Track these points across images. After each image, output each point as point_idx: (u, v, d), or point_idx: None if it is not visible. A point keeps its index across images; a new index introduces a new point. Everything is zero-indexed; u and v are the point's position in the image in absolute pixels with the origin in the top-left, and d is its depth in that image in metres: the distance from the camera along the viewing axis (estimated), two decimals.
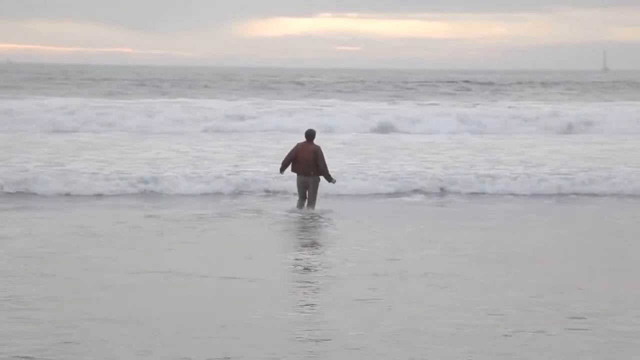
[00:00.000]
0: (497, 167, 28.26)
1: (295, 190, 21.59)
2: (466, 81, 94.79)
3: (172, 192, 24.80)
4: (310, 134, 21.06)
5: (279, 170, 21.51)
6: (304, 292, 12.97)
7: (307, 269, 14.98)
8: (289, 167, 21.20)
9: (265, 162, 28.19)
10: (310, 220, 20.13)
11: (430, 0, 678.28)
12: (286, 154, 21.40)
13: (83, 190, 24.39)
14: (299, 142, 21.22)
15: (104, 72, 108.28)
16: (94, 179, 25.00)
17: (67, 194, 24.12)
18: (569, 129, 42.05)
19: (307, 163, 20.68)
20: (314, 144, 20.93)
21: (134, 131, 38.28)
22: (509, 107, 48.64)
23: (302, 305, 12.16)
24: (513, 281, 13.64)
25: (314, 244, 17.52)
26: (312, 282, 13.83)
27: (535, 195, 25.46)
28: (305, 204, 20.91)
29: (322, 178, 21.07)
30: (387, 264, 15.27)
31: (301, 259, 15.83)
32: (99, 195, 24.01)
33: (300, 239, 18.42)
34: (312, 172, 20.69)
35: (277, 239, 18.60)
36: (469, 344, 10.06)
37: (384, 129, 41.15)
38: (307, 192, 20.86)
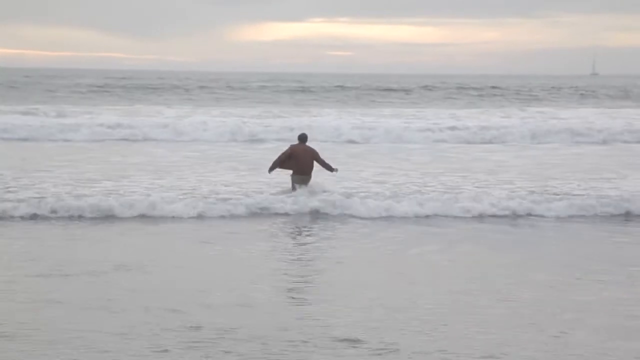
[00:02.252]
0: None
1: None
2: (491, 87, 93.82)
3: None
4: (304, 137, 22.44)
5: (268, 171, 22.33)
6: None
7: None
8: (275, 169, 22.34)
9: None
10: None
11: (422, 6, 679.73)
12: (280, 155, 22.30)
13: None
14: (292, 144, 22.42)
15: (147, 80, 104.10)
16: None
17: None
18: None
19: (307, 163, 21.96)
20: (308, 146, 22.22)
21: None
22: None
23: None
24: None
25: None
26: None
27: None
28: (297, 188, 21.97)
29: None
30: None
31: None
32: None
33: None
34: (309, 172, 22.04)
35: None
36: None
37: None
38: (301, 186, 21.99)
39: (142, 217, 19.78)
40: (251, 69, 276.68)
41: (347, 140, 38.60)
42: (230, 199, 21.44)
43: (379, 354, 9.83)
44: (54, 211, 19.65)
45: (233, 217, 20.33)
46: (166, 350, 9.87)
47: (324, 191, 22.03)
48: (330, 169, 22.32)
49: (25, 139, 37.54)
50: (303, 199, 21.29)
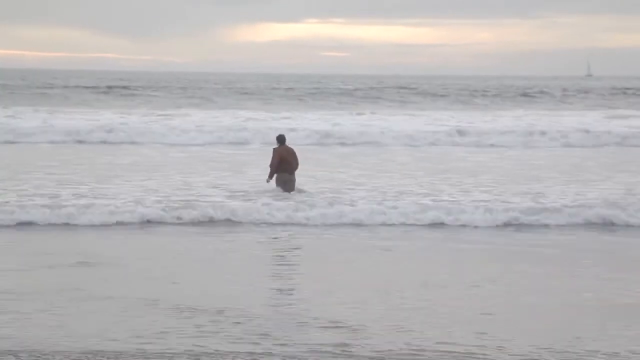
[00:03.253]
0: None
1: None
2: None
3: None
4: (283, 138, 23.02)
5: (267, 179, 22.65)
6: None
7: None
8: (274, 175, 22.79)
9: None
10: None
11: (416, 6, 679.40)
12: (272, 161, 22.70)
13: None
14: (275, 147, 22.88)
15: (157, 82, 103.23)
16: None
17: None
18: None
19: (292, 163, 22.65)
20: (288, 146, 22.94)
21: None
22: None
23: None
24: None
25: None
26: None
27: None
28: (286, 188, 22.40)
29: None
30: None
31: None
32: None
33: None
34: (294, 171, 22.70)
35: None
36: None
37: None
38: (287, 185, 22.44)
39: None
40: (248, 69, 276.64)
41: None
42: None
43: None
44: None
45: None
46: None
47: (301, 191, 22.62)
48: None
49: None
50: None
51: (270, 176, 22.57)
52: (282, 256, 17.18)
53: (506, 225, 20.34)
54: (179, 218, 19.89)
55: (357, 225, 20.06)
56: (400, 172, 28.53)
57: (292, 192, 22.32)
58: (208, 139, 39.24)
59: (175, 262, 15.84)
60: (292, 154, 22.78)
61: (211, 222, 19.95)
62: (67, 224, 19.38)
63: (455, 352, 10.13)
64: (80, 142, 38.62)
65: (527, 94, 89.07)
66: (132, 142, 38.36)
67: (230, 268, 15.39)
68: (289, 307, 12.33)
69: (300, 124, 43.23)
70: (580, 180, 26.50)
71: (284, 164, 22.54)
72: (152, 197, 21.63)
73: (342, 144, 38.92)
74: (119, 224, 19.45)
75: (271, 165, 22.52)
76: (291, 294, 13.57)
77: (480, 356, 10.03)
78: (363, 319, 11.45)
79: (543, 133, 41.64)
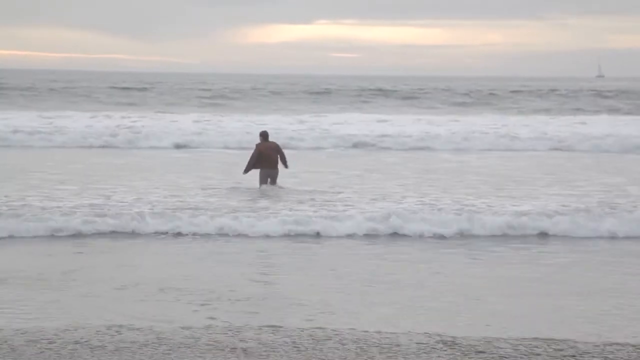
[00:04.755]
0: None
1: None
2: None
3: None
4: (266, 134, 23.70)
5: (243, 172, 23.33)
6: None
7: None
8: (250, 170, 23.32)
9: None
10: None
11: (427, 7, 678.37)
12: (250, 156, 23.32)
13: None
14: (257, 143, 23.48)
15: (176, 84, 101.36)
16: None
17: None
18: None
19: (272, 157, 23.11)
20: (271, 142, 23.64)
21: None
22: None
23: None
24: None
25: None
26: None
27: None
28: (269, 182, 23.10)
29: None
30: None
31: None
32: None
33: None
34: (277, 165, 23.20)
35: None
36: None
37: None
38: (269, 180, 23.09)
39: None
40: (258, 70, 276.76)
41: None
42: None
43: None
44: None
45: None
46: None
47: (280, 187, 23.02)
48: (285, 164, 23.36)
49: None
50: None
51: (245, 170, 23.22)
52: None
53: None
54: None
55: None
56: None
57: (273, 186, 22.93)
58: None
59: None
60: (273, 149, 23.28)
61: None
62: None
63: None
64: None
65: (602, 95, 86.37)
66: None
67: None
68: None
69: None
70: None
71: (264, 159, 23.07)
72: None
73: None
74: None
75: (250, 159, 23.18)
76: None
77: None
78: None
79: None
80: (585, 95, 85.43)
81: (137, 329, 10.40)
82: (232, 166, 28.25)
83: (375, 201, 21.34)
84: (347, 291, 13.49)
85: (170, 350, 9.55)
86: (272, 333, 10.34)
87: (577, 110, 67.30)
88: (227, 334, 10.27)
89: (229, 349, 9.59)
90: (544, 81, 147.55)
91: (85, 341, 9.84)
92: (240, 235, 18.25)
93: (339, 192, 22.97)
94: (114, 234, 18.07)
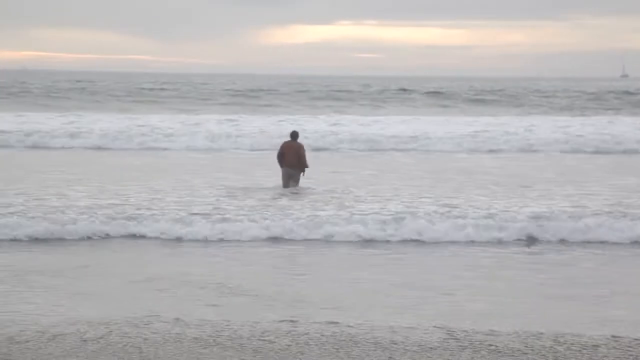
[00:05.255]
0: None
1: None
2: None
3: None
4: (294, 134, 24.09)
5: (279, 164, 23.79)
6: None
7: None
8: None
9: None
10: None
11: (449, 8, 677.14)
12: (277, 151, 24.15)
13: None
14: (285, 141, 24.07)
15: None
16: None
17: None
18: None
19: (292, 158, 23.45)
20: (297, 142, 23.78)
21: None
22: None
23: None
24: None
25: None
26: None
27: None
28: (290, 184, 23.42)
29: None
30: None
31: None
32: None
33: None
34: (296, 165, 23.45)
35: None
36: None
37: None
38: (290, 182, 23.44)
39: None
40: (282, 71, 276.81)
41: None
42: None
43: None
44: None
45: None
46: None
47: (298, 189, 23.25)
48: (304, 166, 23.52)
49: None
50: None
51: (279, 164, 23.79)
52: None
53: None
54: None
55: None
56: None
57: (288, 188, 23.24)
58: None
59: None
60: (294, 150, 23.55)
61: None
62: None
63: None
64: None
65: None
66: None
67: None
68: None
69: None
70: None
71: (285, 158, 23.60)
72: None
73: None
74: None
75: (278, 155, 23.91)
76: None
77: None
78: None
79: None
80: (612, 96, 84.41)
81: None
82: (253, 167, 28.27)
83: (445, 207, 20.56)
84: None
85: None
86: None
87: (608, 110, 66.68)
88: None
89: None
90: (567, 81, 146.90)
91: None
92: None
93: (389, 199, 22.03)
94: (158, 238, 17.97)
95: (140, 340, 10.07)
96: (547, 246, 17.96)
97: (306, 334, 10.40)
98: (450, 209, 20.04)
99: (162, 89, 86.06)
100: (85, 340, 9.96)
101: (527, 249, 17.59)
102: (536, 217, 19.08)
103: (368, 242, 18.09)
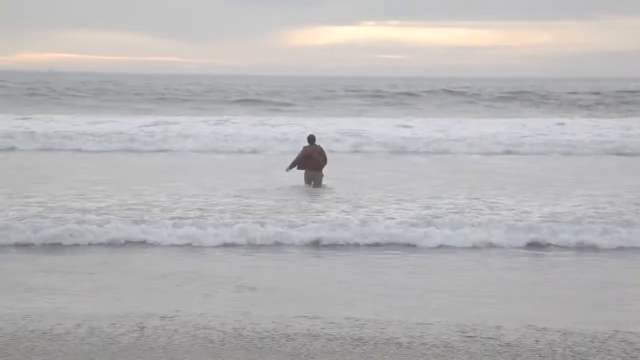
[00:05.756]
0: None
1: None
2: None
3: None
4: (313, 137, 24.80)
5: (286, 169, 24.30)
6: None
7: None
8: (293, 168, 24.30)
9: None
10: None
11: (473, 8, 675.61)
12: (295, 156, 24.82)
13: None
14: (305, 146, 24.56)
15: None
16: None
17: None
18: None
19: (319, 160, 24.14)
20: (317, 145, 24.51)
21: None
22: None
23: None
24: None
25: None
26: None
27: None
28: (313, 185, 23.99)
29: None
30: None
31: None
32: None
33: None
34: (322, 168, 24.21)
35: None
36: None
37: None
38: (312, 182, 24.00)
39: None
40: (307, 72, 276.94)
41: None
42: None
43: None
44: None
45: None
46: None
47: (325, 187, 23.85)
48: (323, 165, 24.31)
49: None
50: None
51: (289, 168, 24.18)
52: None
53: None
54: None
55: None
56: None
57: (317, 188, 23.73)
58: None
59: None
60: (320, 152, 24.29)
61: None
62: None
63: None
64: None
65: None
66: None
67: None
68: None
69: None
70: None
71: (310, 161, 24.08)
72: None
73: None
74: None
75: (296, 159, 24.27)
76: None
77: None
78: None
79: None
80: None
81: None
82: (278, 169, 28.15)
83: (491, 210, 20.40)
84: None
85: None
86: None
87: None
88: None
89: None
90: (596, 81, 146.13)
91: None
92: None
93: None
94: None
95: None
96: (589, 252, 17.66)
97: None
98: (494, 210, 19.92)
99: (190, 90, 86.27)
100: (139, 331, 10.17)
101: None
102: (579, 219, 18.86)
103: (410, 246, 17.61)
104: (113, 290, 13.33)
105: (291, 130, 42.44)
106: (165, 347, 9.72)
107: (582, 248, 17.72)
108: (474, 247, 17.59)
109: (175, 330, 10.34)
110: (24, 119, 46.37)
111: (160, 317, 10.95)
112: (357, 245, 17.56)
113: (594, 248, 17.71)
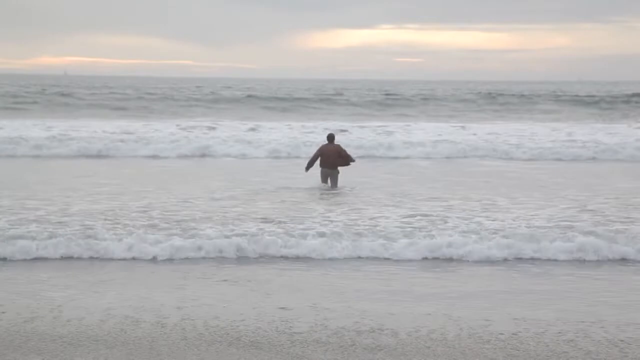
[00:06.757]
0: None
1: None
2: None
3: None
4: (332, 136, 25.36)
5: (305, 169, 25.01)
6: None
7: None
8: (310, 167, 24.91)
9: None
10: None
11: (491, 11, 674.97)
12: (312, 155, 25.69)
13: None
14: (322, 144, 25.46)
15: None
16: None
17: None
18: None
19: (333, 158, 24.62)
20: (335, 144, 24.97)
21: None
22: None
23: None
24: None
25: None
26: None
27: None
28: (329, 183, 24.63)
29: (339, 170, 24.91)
30: None
31: None
32: None
33: None
34: (336, 166, 24.71)
35: None
36: None
37: None
38: (329, 180, 24.65)
39: None
40: (323, 75, 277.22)
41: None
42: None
43: None
44: None
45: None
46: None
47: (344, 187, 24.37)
48: (350, 160, 24.82)
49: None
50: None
51: (307, 168, 24.90)
52: None
53: None
54: None
55: None
56: None
57: (334, 188, 24.32)
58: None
59: None
60: (334, 151, 24.69)
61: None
62: None
63: None
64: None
65: None
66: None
67: None
68: None
69: None
70: None
71: (324, 160, 24.66)
72: None
73: None
74: None
75: (311, 158, 25.01)
76: None
77: None
78: None
79: None
80: None
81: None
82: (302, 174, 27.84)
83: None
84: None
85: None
86: None
87: None
88: None
89: None
90: (615, 85, 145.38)
91: None
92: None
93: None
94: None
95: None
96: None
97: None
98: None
99: (205, 94, 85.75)
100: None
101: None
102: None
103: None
104: None
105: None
106: None
107: None
108: None
109: None
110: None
111: None
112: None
113: None
